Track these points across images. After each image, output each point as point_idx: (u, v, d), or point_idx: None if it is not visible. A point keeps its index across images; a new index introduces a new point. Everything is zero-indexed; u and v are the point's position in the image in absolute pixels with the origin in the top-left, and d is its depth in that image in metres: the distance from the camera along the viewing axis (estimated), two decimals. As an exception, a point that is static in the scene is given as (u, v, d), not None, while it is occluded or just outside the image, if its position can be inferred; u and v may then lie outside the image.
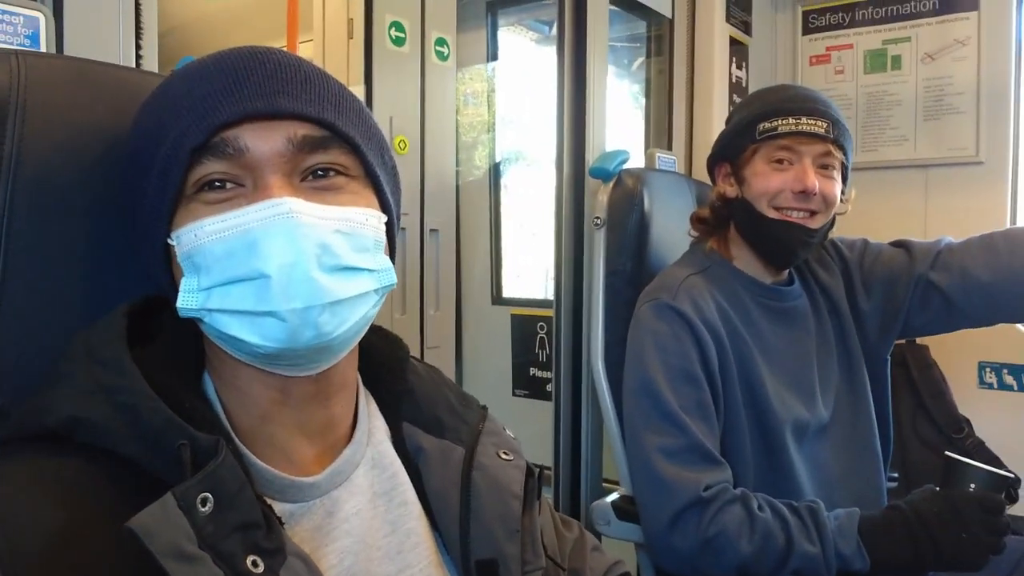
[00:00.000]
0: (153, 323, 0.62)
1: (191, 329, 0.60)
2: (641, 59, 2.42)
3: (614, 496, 1.50)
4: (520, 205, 3.30)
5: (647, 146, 2.14)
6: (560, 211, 1.70)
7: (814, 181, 1.24)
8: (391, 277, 0.61)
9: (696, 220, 1.42)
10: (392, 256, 0.66)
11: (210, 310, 0.55)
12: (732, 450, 1.25)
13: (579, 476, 1.80)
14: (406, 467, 0.68)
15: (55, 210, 0.63)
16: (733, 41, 2.20)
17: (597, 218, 1.55)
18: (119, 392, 0.52)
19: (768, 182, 1.26)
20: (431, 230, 1.46)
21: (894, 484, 1.63)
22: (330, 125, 0.58)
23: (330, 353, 0.59)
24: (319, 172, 0.58)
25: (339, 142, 0.59)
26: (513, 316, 3.23)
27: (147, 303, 0.62)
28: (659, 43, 2.18)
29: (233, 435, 0.58)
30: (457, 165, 3.28)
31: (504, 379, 3.20)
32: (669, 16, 2.06)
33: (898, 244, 1.44)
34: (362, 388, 0.70)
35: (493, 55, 3.42)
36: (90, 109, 0.66)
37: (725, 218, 1.36)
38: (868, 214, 1.47)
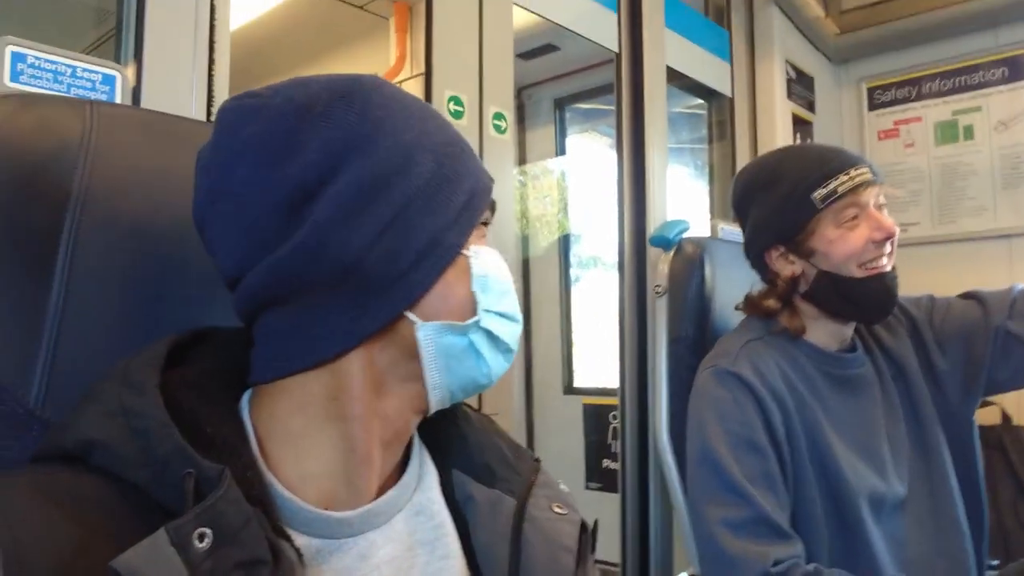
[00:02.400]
0: (196, 352, 0.62)
1: (231, 353, 0.60)
2: (703, 131, 2.45)
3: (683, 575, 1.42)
4: (592, 298, 3.29)
5: (711, 218, 2.14)
6: (622, 281, 1.69)
7: (892, 222, 1.20)
8: None
9: (759, 308, 1.34)
10: None
11: (483, 329, 0.60)
12: (804, 523, 1.17)
13: (647, 567, 1.71)
14: (454, 517, 0.65)
15: (116, 245, 0.66)
16: (797, 119, 2.20)
17: (658, 286, 1.54)
18: (136, 415, 0.51)
19: (851, 244, 1.21)
20: (490, 296, 1.47)
21: (994, 574, 1.49)
22: None
23: None
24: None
25: None
26: (585, 405, 3.18)
27: (194, 336, 0.63)
28: (720, 118, 2.20)
29: (260, 461, 0.56)
30: (527, 252, 3.38)
31: (577, 471, 3.12)
32: (729, 95, 2.09)
33: (968, 296, 1.37)
34: (415, 433, 0.68)
35: (561, 150, 3.52)
36: (153, 155, 0.70)
37: (789, 298, 1.32)
38: (951, 288, 1.40)
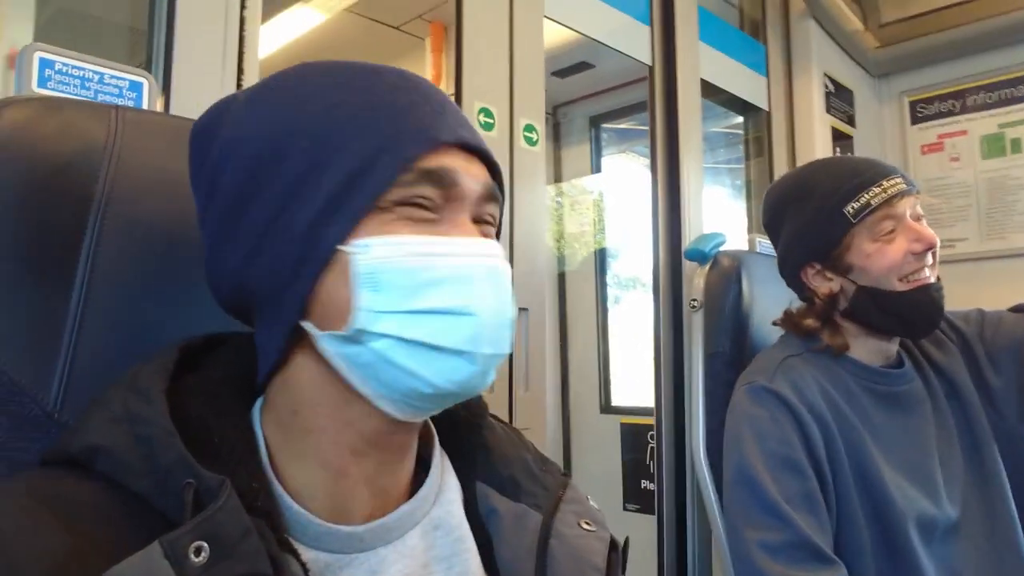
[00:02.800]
0: (209, 358, 0.61)
1: (244, 359, 0.59)
2: (741, 151, 2.42)
3: (720, 601, 1.37)
4: (633, 318, 3.26)
5: (749, 233, 2.10)
6: (657, 295, 1.66)
7: (931, 233, 1.16)
8: None
9: (799, 327, 1.29)
10: None
11: (381, 334, 0.51)
12: (848, 549, 1.12)
13: (685, 591, 1.66)
14: (476, 533, 0.62)
15: (138, 247, 0.66)
16: (837, 133, 2.16)
17: (694, 300, 1.51)
18: (140, 422, 0.50)
19: (889, 257, 1.17)
20: (520, 309, 1.46)
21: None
22: (497, 173, 0.58)
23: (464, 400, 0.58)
24: (486, 219, 0.58)
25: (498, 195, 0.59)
26: (623, 425, 3.13)
27: (207, 341, 0.62)
28: (757, 134, 2.17)
29: (269, 471, 0.54)
30: (563, 269, 3.36)
31: (614, 492, 3.07)
32: (766, 108, 2.05)
33: (1019, 309, 1.31)
34: (437, 443, 0.66)
35: (597, 168, 3.51)
36: (177, 159, 0.70)
37: (829, 316, 1.27)
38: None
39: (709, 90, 1.99)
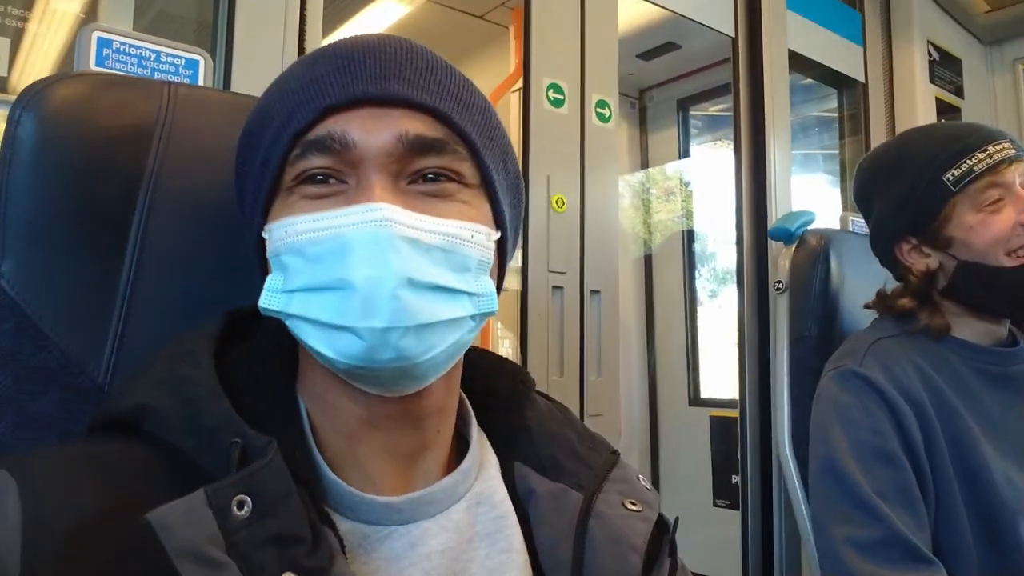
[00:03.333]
0: (257, 329, 0.60)
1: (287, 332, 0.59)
2: (834, 125, 2.28)
3: (808, 600, 1.29)
4: (727, 311, 3.16)
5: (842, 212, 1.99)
6: (741, 278, 1.58)
7: None
8: (492, 304, 0.54)
9: (893, 308, 1.20)
10: (501, 277, 0.60)
11: (291, 315, 0.52)
12: (949, 548, 1.03)
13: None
14: (516, 512, 0.61)
15: (187, 220, 0.66)
16: (943, 104, 2.01)
17: (779, 282, 1.43)
18: (187, 383, 0.51)
19: (995, 228, 1.07)
20: (592, 291, 1.41)
21: None
22: (445, 117, 0.53)
23: (414, 378, 0.52)
24: (429, 176, 0.53)
25: (456, 145, 0.54)
26: (712, 418, 3.05)
27: (255, 312, 0.61)
28: (853, 110, 2.04)
29: (312, 443, 0.54)
30: (651, 260, 3.29)
31: (704, 488, 3.00)
32: (862, 80, 1.93)
33: None
34: (474, 420, 0.64)
35: (685, 152, 3.41)
36: (229, 134, 0.70)
37: (926, 295, 1.17)
38: None
39: (799, 64, 1.88)
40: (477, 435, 0.63)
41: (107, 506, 0.45)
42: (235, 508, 0.44)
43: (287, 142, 0.52)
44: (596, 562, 0.56)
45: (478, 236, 0.53)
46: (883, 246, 1.21)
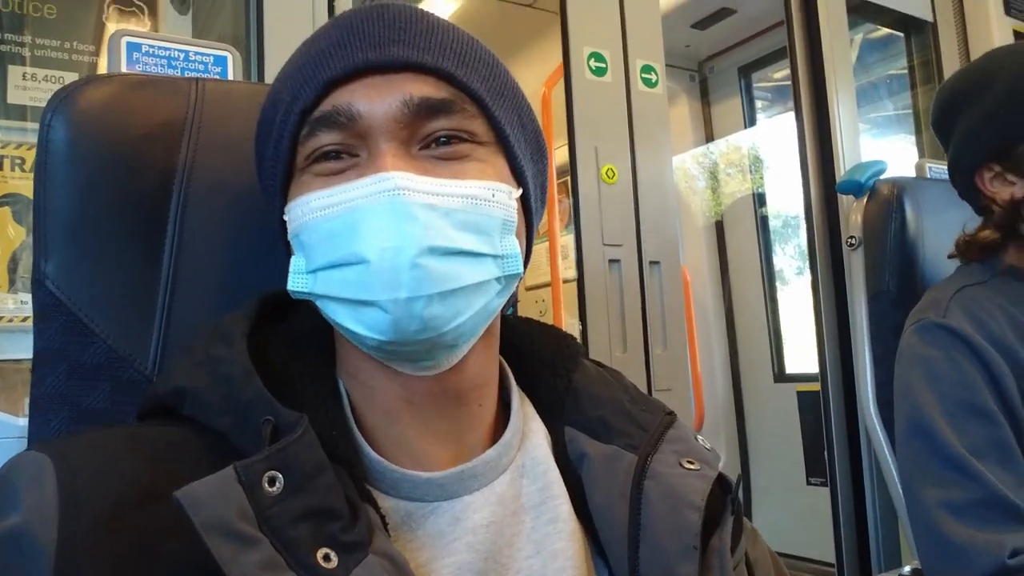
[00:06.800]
0: (296, 311, 0.61)
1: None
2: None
3: (906, 569, 1.22)
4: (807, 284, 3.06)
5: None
6: (812, 236, 1.51)
7: None
8: (517, 265, 0.53)
9: (973, 244, 1.12)
10: (530, 237, 0.59)
11: (317, 295, 0.52)
12: (1054, 506, 0.95)
13: (868, 564, 1.51)
14: (567, 479, 0.59)
15: (223, 209, 0.67)
16: (1020, 37, 1.87)
17: (851, 238, 1.35)
18: (221, 363, 0.51)
19: None
20: (651, 262, 1.37)
21: None
22: (450, 76, 0.52)
23: (445, 349, 0.52)
24: (441, 139, 0.51)
25: (464, 104, 0.52)
26: (799, 393, 2.95)
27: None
28: (924, 57, 1.92)
29: (352, 422, 0.54)
30: (723, 233, 3.20)
31: (796, 465, 2.91)
32: (930, 20, 1.80)
33: None
34: (515, 388, 0.63)
35: (751, 120, 3.30)
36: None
37: (1011, 229, 1.09)
38: None
39: (863, 11, 1.78)
40: (519, 403, 0.62)
41: (145, 485, 0.45)
42: (266, 484, 0.44)
43: (296, 121, 0.52)
44: (653, 520, 0.54)
45: (499, 195, 0.52)
46: (963, 175, 1.13)
